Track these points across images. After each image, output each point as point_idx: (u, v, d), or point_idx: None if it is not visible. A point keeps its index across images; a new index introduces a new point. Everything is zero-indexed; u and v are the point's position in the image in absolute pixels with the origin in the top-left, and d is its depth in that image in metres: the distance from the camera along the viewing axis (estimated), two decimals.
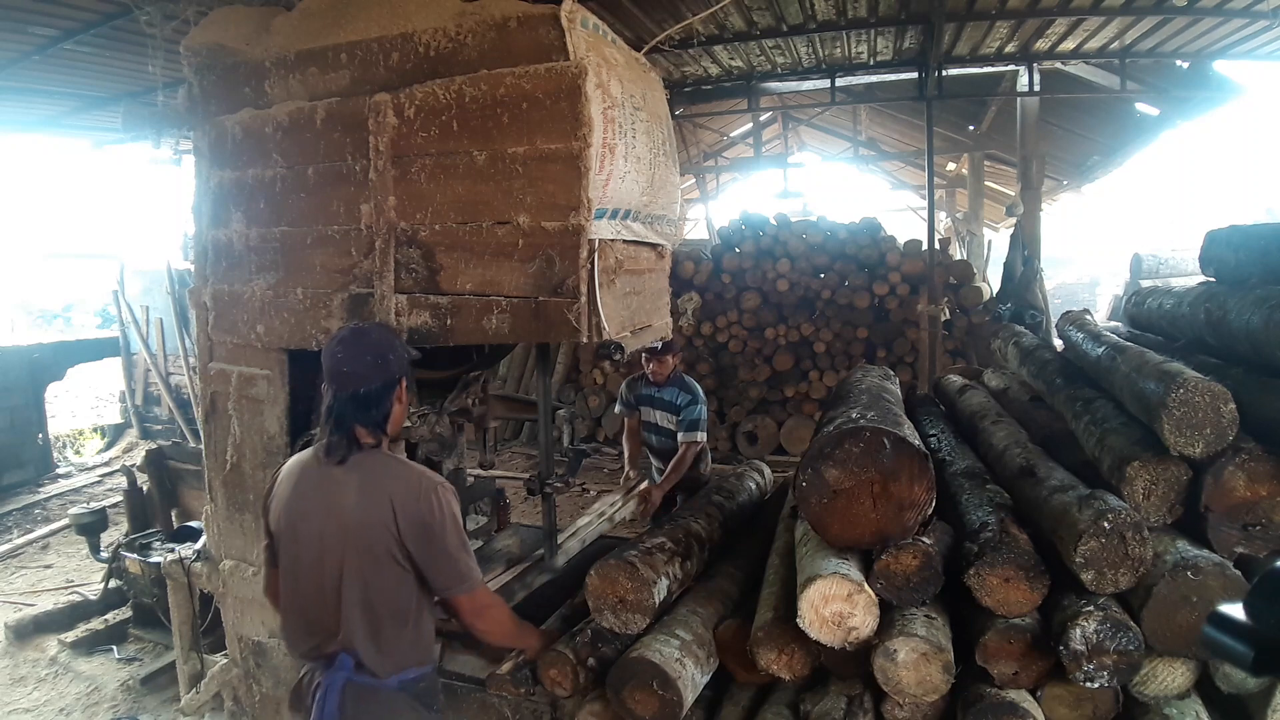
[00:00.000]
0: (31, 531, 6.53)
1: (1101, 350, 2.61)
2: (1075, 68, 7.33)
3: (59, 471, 8.40)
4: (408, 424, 2.84)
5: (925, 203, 8.08)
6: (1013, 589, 1.91)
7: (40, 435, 8.32)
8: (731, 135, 13.63)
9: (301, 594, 1.94)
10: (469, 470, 3.24)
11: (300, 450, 2.26)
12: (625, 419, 4.32)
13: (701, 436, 3.95)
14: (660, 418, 4.07)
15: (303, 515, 1.92)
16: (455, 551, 1.89)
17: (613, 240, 2.44)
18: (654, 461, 4.20)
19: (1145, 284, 8.27)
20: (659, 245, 2.94)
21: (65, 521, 6.25)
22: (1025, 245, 7.79)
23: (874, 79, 8.03)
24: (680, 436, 3.93)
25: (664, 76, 4.31)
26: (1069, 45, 6.89)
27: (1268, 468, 1.93)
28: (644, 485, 3.87)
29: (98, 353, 9.90)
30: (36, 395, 8.46)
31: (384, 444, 1.95)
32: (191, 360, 8.82)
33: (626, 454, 4.34)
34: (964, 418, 3.26)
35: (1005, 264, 7.99)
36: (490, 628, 2.05)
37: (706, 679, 2.19)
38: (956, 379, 3.92)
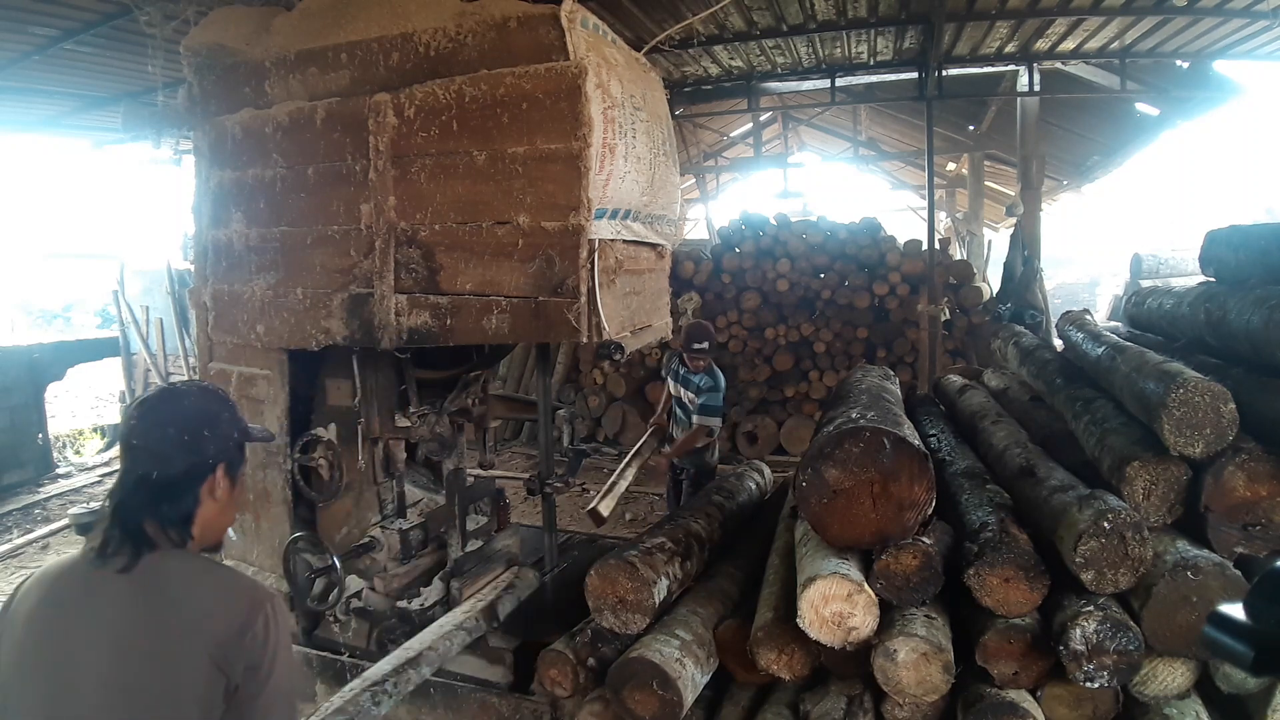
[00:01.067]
0: (31, 531, 6.52)
1: (1101, 350, 2.62)
2: (1075, 68, 7.32)
3: (59, 471, 8.39)
4: (407, 423, 2.84)
5: (925, 203, 8.08)
6: (1013, 589, 1.91)
7: (40, 435, 8.31)
8: (731, 135, 13.63)
9: None
10: (469, 470, 3.25)
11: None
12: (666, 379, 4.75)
13: (714, 422, 4.32)
14: (686, 396, 4.41)
15: (44, 646, 1.23)
16: (288, 701, 1.34)
17: (613, 240, 2.44)
18: (674, 434, 4.55)
19: (1145, 284, 8.26)
20: (659, 245, 2.94)
21: (65, 521, 6.24)
22: (1025, 245, 7.78)
23: (874, 79, 8.03)
24: (695, 417, 4.31)
25: (664, 76, 4.31)
26: (1069, 45, 6.89)
27: (1268, 468, 1.94)
28: (651, 432, 4.54)
29: (98, 353, 9.88)
30: (36, 395, 8.45)
31: (190, 547, 1.34)
32: (191, 360, 8.83)
33: (661, 402, 4.80)
34: (964, 418, 3.26)
35: (1005, 264, 7.99)
36: None
37: (706, 679, 2.19)
38: (956, 379, 3.92)
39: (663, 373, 4.82)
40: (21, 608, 1.29)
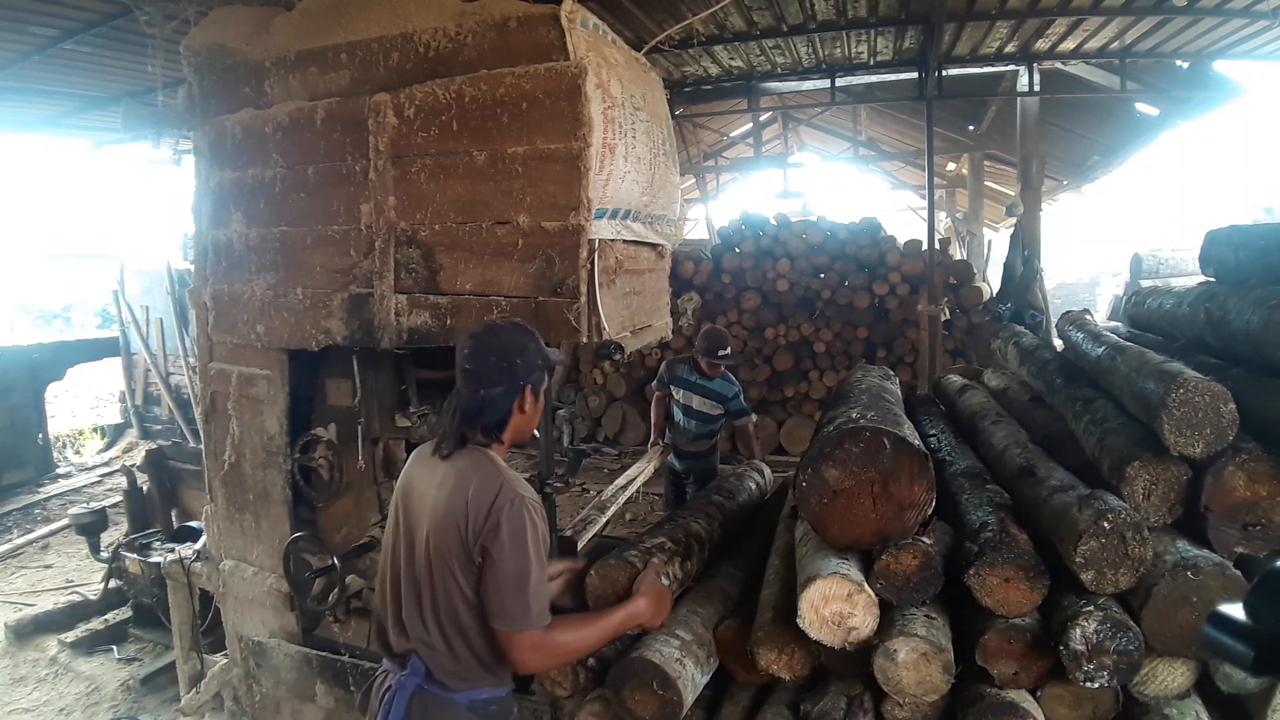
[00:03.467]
0: (31, 531, 6.53)
1: (1101, 350, 2.61)
2: (1075, 68, 7.33)
3: (59, 471, 8.39)
4: (407, 423, 2.84)
5: (925, 203, 8.08)
6: (1013, 589, 1.91)
7: (40, 435, 8.32)
8: (731, 135, 13.63)
9: (389, 586, 1.87)
10: None
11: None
12: (655, 392, 4.66)
13: (754, 416, 4.62)
14: (701, 403, 4.41)
15: (404, 505, 1.87)
16: (511, 582, 1.69)
17: (613, 240, 2.44)
18: (679, 439, 4.54)
19: (1145, 284, 8.27)
20: (659, 245, 2.94)
21: (65, 521, 6.25)
22: (1025, 245, 7.78)
23: (874, 79, 8.03)
24: (739, 421, 4.47)
25: (664, 76, 4.31)
26: (1069, 45, 6.89)
27: (1268, 468, 1.93)
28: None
29: (98, 353, 9.89)
30: (36, 395, 8.46)
31: (496, 448, 1.84)
32: (191, 360, 8.83)
33: (654, 422, 4.71)
34: (964, 418, 3.25)
35: (1005, 264, 7.99)
36: (550, 663, 1.82)
37: (706, 679, 2.19)
38: (956, 379, 3.91)
39: (657, 384, 4.66)
40: (406, 475, 1.91)
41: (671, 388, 4.49)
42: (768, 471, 3.76)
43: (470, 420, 1.79)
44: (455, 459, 1.79)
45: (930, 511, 2.03)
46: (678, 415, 4.51)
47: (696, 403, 4.39)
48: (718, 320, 8.12)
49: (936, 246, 7.38)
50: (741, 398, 4.45)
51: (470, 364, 1.80)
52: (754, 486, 3.40)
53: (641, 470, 4.17)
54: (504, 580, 1.68)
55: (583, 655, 1.83)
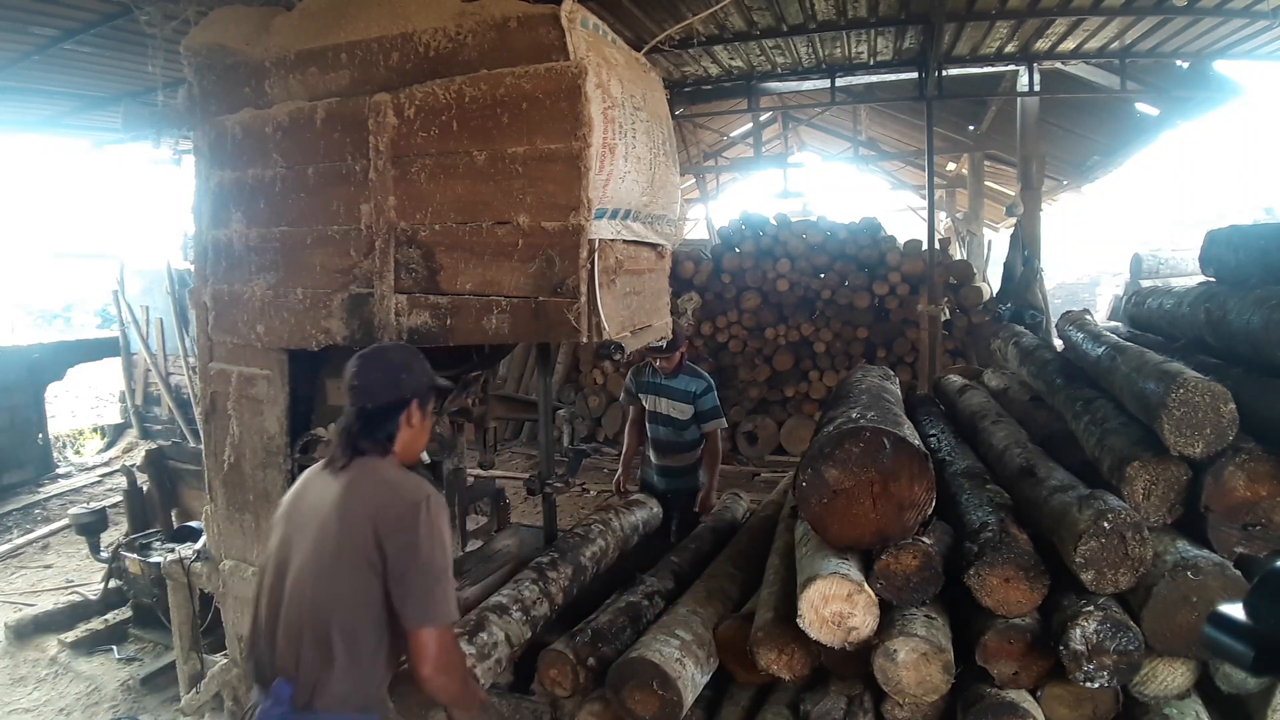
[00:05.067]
0: (31, 531, 6.53)
1: (1101, 350, 2.61)
2: (1075, 68, 7.33)
3: (59, 471, 8.38)
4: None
5: (925, 203, 8.08)
6: (1013, 589, 1.91)
7: (40, 435, 8.31)
8: (731, 135, 13.63)
9: (264, 603, 1.82)
10: (469, 470, 3.24)
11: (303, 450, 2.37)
12: (629, 409, 4.27)
13: (724, 423, 4.05)
14: (669, 407, 3.99)
15: (287, 518, 1.86)
16: (433, 575, 1.70)
17: (613, 240, 2.44)
18: (653, 456, 4.12)
19: (1145, 284, 8.26)
20: (659, 245, 2.94)
21: (65, 521, 6.24)
22: (1025, 245, 7.79)
23: (874, 79, 8.03)
24: (705, 427, 3.97)
25: (664, 76, 4.31)
26: (1069, 45, 6.89)
27: (1268, 468, 1.93)
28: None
29: (98, 353, 9.88)
30: (36, 395, 8.45)
31: (390, 458, 1.85)
32: (191, 360, 8.82)
33: (624, 451, 4.34)
34: (964, 418, 3.25)
35: (1005, 264, 7.99)
36: (443, 682, 1.73)
37: (706, 679, 2.19)
38: (956, 379, 3.91)
39: (622, 397, 4.29)
40: (292, 494, 1.93)
41: (640, 397, 4.09)
42: (741, 506, 3.47)
43: (361, 434, 1.82)
44: (353, 469, 1.80)
45: (930, 511, 2.03)
46: (650, 427, 4.10)
47: (664, 406, 4.00)
48: (717, 320, 8.12)
49: (936, 246, 7.38)
50: (714, 397, 3.97)
51: (358, 381, 1.85)
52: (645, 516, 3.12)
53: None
54: (425, 573, 1.69)
55: (453, 692, 1.77)
